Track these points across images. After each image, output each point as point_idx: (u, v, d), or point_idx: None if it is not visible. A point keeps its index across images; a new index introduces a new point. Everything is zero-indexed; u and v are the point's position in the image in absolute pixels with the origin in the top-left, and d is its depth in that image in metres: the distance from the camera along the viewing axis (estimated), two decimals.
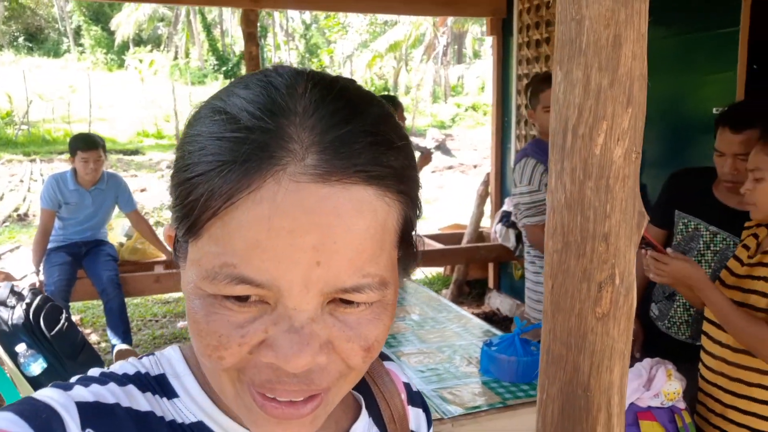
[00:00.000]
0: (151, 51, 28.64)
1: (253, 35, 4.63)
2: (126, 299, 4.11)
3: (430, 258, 5.21)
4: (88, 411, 0.48)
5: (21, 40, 29.93)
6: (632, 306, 0.80)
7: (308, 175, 0.42)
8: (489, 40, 5.58)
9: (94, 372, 0.52)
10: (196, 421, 0.52)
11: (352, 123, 0.45)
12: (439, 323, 2.80)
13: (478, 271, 5.66)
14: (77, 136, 4.21)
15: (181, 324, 5.20)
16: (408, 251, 0.52)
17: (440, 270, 6.44)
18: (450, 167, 15.30)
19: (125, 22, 27.47)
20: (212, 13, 28.03)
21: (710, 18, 3.25)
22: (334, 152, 0.43)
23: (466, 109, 23.04)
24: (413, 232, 0.52)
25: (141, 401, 0.51)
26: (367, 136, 0.45)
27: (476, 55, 29.38)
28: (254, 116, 0.44)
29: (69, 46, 30.05)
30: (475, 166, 15.32)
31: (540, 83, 2.81)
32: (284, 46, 29.43)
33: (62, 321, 3.03)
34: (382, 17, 24.49)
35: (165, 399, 0.52)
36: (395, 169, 0.46)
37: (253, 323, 0.44)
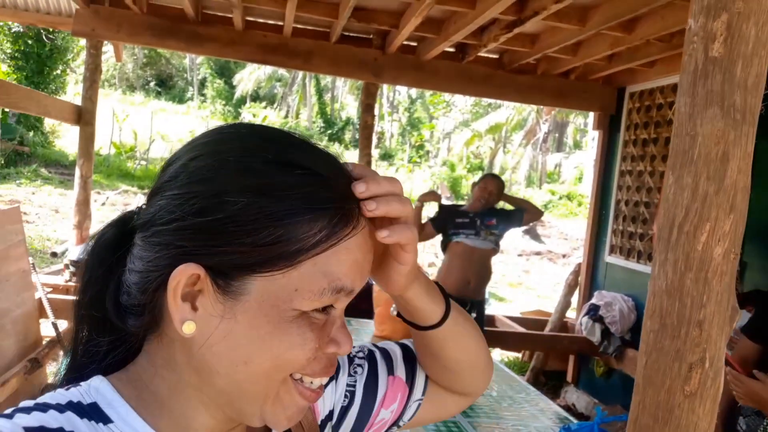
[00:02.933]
0: (265, 107, 30.50)
1: (370, 106, 4.97)
2: None
3: (510, 340, 5.19)
4: None
5: (152, 84, 32.75)
6: (719, 389, 0.89)
7: (364, 216, 0.59)
8: (591, 132, 5.67)
9: (27, 403, 0.54)
10: None
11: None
12: (516, 403, 2.83)
13: (558, 362, 5.56)
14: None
15: None
16: None
17: (518, 355, 6.37)
18: (538, 253, 15.12)
19: (247, 78, 29.56)
20: (326, 79, 29.67)
21: None
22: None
23: (561, 198, 22.83)
24: None
25: (81, 427, 0.54)
26: None
27: (576, 145, 29.25)
28: (336, 174, 0.58)
29: (193, 95, 32.54)
30: (563, 256, 15.07)
31: None
32: (388, 117, 30.54)
33: None
34: (486, 99, 25.04)
35: (101, 424, 0.55)
36: None
37: (326, 326, 0.58)
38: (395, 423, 0.79)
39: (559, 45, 4.11)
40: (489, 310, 5.59)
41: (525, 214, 4.37)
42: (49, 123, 16.09)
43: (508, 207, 4.42)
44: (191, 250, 0.54)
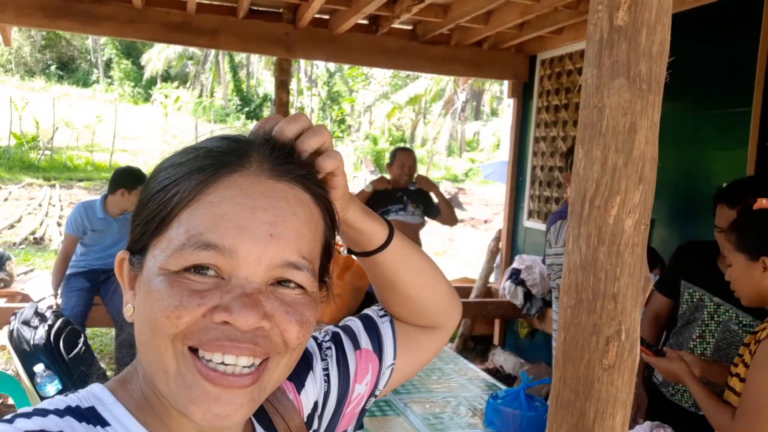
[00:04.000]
0: (177, 87, 29.40)
1: (285, 83, 4.83)
2: None
3: None
4: None
5: (53, 68, 30.85)
6: (635, 360, 0.89)
7: (265, 174, 0.58)
8: (507, 99, 5.80)
9: (26, 409, 0.56)
10: None
11: (293, 154, 0.62)
12: (445, 374, 2.87)
13: (484, 327, 5.70)
14: (128, 171, 4.29)
15: None
16: (323, 275, 0.66)
17: None
18: (461, 220, 15.42)
19: (156, 58, 28.32)
20: (240, 55, 28.86)
21: (724, 97, 3.40)
22: (282, 163, 0.60)
23: (480, 165, 23.34)
24: (329, 264, 0.67)
25: (80, 430, 0.56)
26: (304, 166, 0.62)
27: (494, 112, 29.88)
28: (223, 142, 0.61)
29: (98, 77, 30.91)
30: (485, 221, 15.45)
31: None
32: (307, 92, 30.11)
33: (80, 345, 3.12)
34: (405, 71, 25.09)
35: (99, 427, 0.57)
36: (324, 196, 0.64)
37: (210, 290, 0.54)
38: (372, 394, 0.81)
39: (471, 15, 4.11)
40: None
41: (439, 217, 4.46)
42: None
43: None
44: (128, 242, 0.62)
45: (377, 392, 0.81)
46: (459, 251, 12.21)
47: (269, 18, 4.56)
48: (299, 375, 0.75)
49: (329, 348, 0.79)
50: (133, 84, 29.94)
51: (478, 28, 4.61)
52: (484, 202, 18.23)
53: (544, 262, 4.14)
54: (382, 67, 5.18)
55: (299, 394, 0.75)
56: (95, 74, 31.36)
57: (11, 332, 2.94)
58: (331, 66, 29.62)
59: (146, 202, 0.60)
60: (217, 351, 0.54)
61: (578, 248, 0.90)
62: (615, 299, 0.87)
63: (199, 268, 0.55)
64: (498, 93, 28.07)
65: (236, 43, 4.58)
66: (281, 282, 0.57)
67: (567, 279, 0.92)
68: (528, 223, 5.27)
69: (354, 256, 0.78)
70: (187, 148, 0.62)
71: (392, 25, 4.53)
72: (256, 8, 4.49)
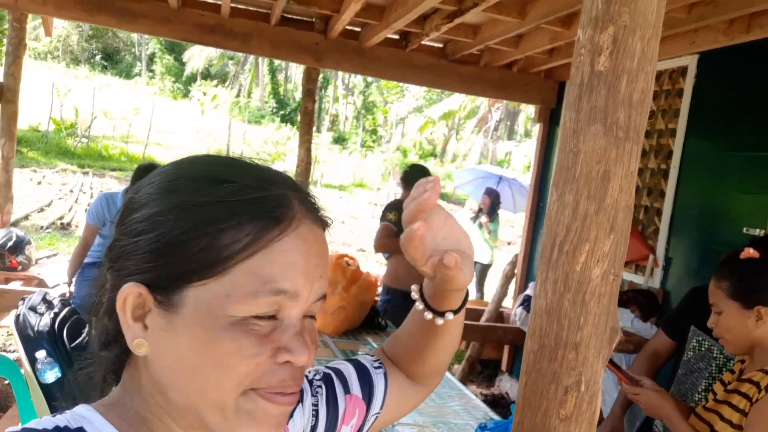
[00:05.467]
0: (216, 86, 29.84)
1: (311, 91, 4.86)
2: None
3: None
4: None
5: (98, 58, 31.58)
6: (595, 412, 0.87)
7: (310, 221, 0.61)
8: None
9: (14, 429, 0.57)
10: None
11: (307, 189, 0.66)
12: (440, 398, 2.83)
13: (493, 351, 5.63)
14: (151, 167, 4.39)
15: None
16: None
17: None
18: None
19: (197, 55, 28.81)
20: None
21: (749, 139, 3.32)
22: (314, 207, 0.63)
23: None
24: None
25: None
26: (319, 203, 0.66)
27: (527, 134, 29.69)
28: (260, 182, 0.61)
29: (141, 71, 31.54)
30: (508, 243, 15.30)
31: None
32: (342, 99, 30.30)
33: (84, 335, 3.15)
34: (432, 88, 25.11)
35: None
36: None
37: (272, 333, 0.58)
38: None
39: (500, 37, 4.10)
40: None
41: None
42: None
43: None
44: (133, 271, 0.59)
45: None
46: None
47: (301, 26, 4.61)
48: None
49: (320, 386, 0.82)
50: (173, 79, 30.48)
51: (508, 50, 4.59)
52: (510, 223, 18.08)
53: None
54: (410, 82, 5.18)
55: (287, 422, 0.76)
56: (138, 67, 32.02)
57: (17, 317, 2.98)
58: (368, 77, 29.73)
59: (179, 240, 0.57)
60: (282, 389, 0.58)
61: (545, 293, 0.88)
62: (577, 348, 0.85)
63: (260, 316, 0.58)
64: (532, 115, 27.89)
65: (267, 48, 4.64)
66: (306, 315, 0.62)
67: (532, 323, 0.90)
68: None
69: (427, 315, 0.75)
70: (213, 179, 0.60)
71: (422, 42, 4.54)
72: (288, 16, 4.54)
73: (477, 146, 25.81)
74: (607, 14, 0.83)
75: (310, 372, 0.84)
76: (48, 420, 0.58)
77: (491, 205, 8.17)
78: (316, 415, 0.79)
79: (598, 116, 0.83)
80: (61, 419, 0.59)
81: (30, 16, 4.52)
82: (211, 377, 0.56)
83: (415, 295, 0.76)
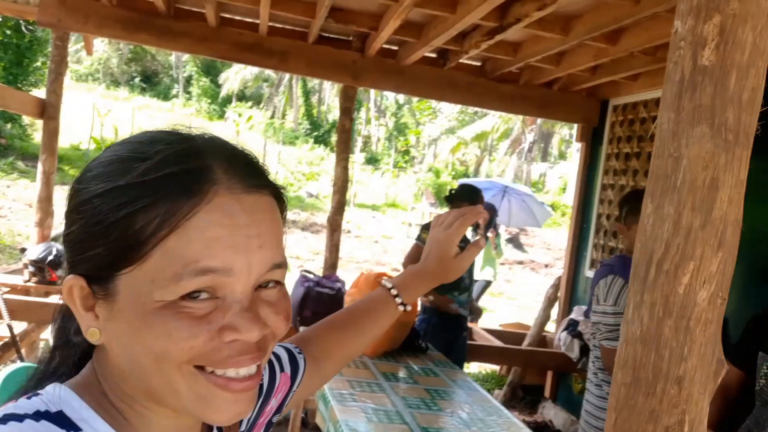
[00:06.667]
0: (251, 107, 30.24)
1: (348, 110, 4.82)
2: None
3: (488, 354, 5.07)
4: None
5: (137, 80, 32.36)
6: None
7: (238, 189, 0.57)
8: (576, 143, 5.63)
9: None
10: None
11: (250, 161, 0.62)
12: (487, 426, 2.70)
13: (536, 377, 5.44)
14: None
15: None
16: None
17: (496, 368, 6.24)
18: (521, 262, 15.06)
19: (233, 78, 29.30)
20: (313, 81, 29.49)
21: None
22: (248, 173, 0.59)
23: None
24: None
25: None
26: (262, 172, 0.62)
27: (561, 155, 29.35)
28: (176, 153, 0.57)
29: (178, 92, 32.21)
30: (546, 266, 15.03)
31: (639, 201, 2.73)
32: (374, 121, 30.43)
33: None
34: (473, 107, 25.08)
35: None
36: (276, 186, 0.64)
37: (211, 313, 0.55)
38: (278, 410, 0.87)
39: (542, 54, 4.00)
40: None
41: None
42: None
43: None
44: (72, 263, 0.59)
45: (282, 409, 0.88)
46: (517, 294, 11.89)
47: (338, 45, 4.58)
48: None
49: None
50: (209, 101, 30.99)
51: (549, 68, 4.49)
52: (546, 245, 17.77)
53: (587, 315, 3.91)
54: (449, 101, 5.11)
55: (253, 406, 0.77)
56: (175, 89, 32.68)
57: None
58: (401, 98, 29.86)
59: (99, 228, 0.56)
60: (232, 367, 0.57)
61: (639, 318, 0.77)
62: (680, 383, 0.74)
63: (193, 293, 0.55)
64: (567, 136, 27.58)
65: (304, 67, 4.62)
66: (261, 285, 0.59)
67: (623, 351, 0.79)
68: (590, 273, 5.02)
69: (402, 307, 0.98)
70: (130, 159, 0.57)
71: (460, 60, 4.46)
72: (326, 34, 4.52)
73: (510, 167, 25.59)
74: (713, 1, 0.73)
75: None
76: (25, 403, 0.57)
77: (489, 219, 8.05)
78: (260, 388, 0.81)
79: (703, 117, 0.73)
80: (38, 402, 0.57)
81: (72, 39, 4.60)
82: (150, 363, 0.55)
83: (387, 284, 0.95)
